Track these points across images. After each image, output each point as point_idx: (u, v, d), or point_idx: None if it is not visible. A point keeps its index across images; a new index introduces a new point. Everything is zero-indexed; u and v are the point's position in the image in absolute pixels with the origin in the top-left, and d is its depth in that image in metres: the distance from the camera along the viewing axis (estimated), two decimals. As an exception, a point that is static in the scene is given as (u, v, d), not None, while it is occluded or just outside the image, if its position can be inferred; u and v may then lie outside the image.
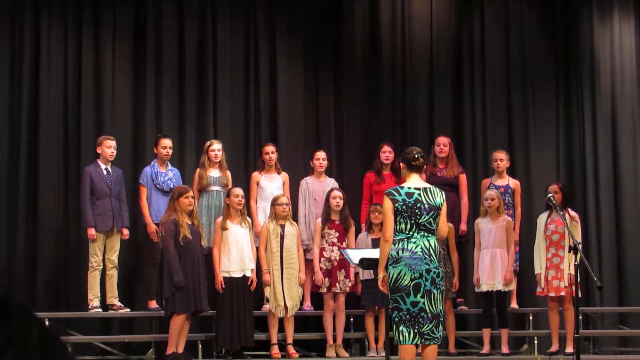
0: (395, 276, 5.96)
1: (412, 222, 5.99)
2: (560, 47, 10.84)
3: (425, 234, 6.01)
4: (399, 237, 6.03)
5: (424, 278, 5.95)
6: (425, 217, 6.01)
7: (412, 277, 5.94)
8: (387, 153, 9.35)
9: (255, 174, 9.26)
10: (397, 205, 6.00)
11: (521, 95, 10.66)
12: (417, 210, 5.99)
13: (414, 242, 5.98)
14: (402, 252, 5.96)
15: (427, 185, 6.27)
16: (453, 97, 10.65)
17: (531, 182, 10.37)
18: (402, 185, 6.18)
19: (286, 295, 8.47)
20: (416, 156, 6.17)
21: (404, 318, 5.95)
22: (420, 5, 10.75)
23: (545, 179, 9.94)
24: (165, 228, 8.03)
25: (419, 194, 6.04)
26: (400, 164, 6.38)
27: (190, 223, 8.13)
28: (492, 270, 8.64)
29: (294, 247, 8.59)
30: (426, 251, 5.97)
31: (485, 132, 10.57)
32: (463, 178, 9.46)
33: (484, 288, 8.67)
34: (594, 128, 10.57)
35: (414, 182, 6.14)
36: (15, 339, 1.08)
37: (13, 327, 1.09)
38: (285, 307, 8.49)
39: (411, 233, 6.00)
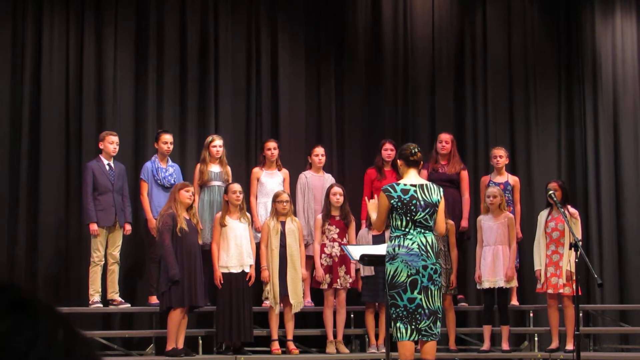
0: (392, 273, 5.97)
1: (408, 218, 6.00)
2: (562, 44, 10.84)
3: (422, 231, 6.01)
4: (395, 234, 6.03)
5: (420, 274, 5.95)
6: (421, 214, 6.00)
7: (409, 273, 5.94)
8: (388, 151, 9.35)
9: (256, 170, 9.26)
10: (392, 201, 6.01)
11: (523, 92, 10.66)
12: (412, 207, 5.99)
13: (410, 239, 5.98)
14: (399, 249, 5.97)
15: (425, 181, 6.28)
16: (454, 94, 10.65)
17: (532, 179, 10.37)
18: (399, 182, 6.20)
19: (290, 292, 8.47)
20: (413, 151, 6.18)
21: (401, 314, 5.95)
22: (422, 2, 10.75)
23: (547, 176, 9.94)
24: (163, 221, 8.05)
25: (415, 191, 6.04)
26: (398, 160, 6.39)
27: (188, 219, 8.14)
28: (494, 267, 8.64)
29: (296, 244, 8.59)
30: (423, 247, 5.97)
31: (487, 129, 10.57)
32: (465, 174, 9.46)
33: (486, 285, 8.68)
34: (596, 125, 10.56)
35: (411, 178, 6.15)
36: (40, 340, 1.06)
37: (38, 327, 1.07)
38: (289, 304, 8.50)
39: (407, 230, 6.00)
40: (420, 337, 6.00)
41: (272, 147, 9.21)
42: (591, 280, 9.40)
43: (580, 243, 6.47)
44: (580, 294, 6.83)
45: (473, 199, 9.55)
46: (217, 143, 9.05)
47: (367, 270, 8.63)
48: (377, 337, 8.77)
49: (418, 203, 6.01)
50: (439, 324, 6.07)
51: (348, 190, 9.01)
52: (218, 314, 8.37)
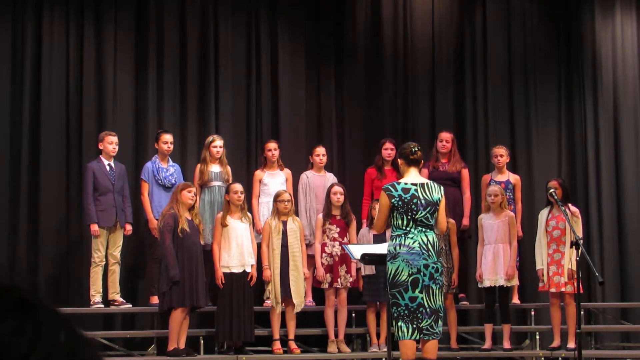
0: (393, 272, 5.97)
1: (409, 217, 5.99)
2: (562, 42, 10.83)
3: (423, 229, 6.01)
4: (396, 233, 6.03)
5: (422, 273, 5.95)
6: (422, 213, 6.00)
7: (410, 272, 5.94)
8: (388, 150, 9.35)
9: (258, 172, 9.26)
10: (393, 200, 6.01)
11: (523, 91, 10.66)
12: (413, 206, 5.99)
13: (412, 238, 5.98)
14: (400, 248, 5.97)
15: (425, 180, 6.28)
16: (455, 93, 10.64)
17: (533, 178, 10.36)
18: (399, 180, 6.20)
19: (293, 292, 8.47)
20: (414, 150, 6.18)
21: (402, 313, 5.96)
22: (422, 2, 10.74)
23: (547, 174, 9.94)
24: (164, 221, 8.06)
25: (416, 190, 6.04)
26: (399, 160, 6.39)
27: (190, 219, 8.14)
28: (495, 266, 8.65)
29: (297, 244, 8.59)
30: (424, 246, 5.97)
31: (487, 127, 10.57)
32: (465, 173, 9.45)
33: (487, 284, 8.69)
34: (596, 123, 10.55)
35: (412, 177, 6.15)
36: (42, 342, 1.06)
37: (40, 329, 1.07)
38: (290, 303, 8.51)
39: (408, 229, 6.00)
40: (421, 336, 6.00)
41: (272, 148, 9.21)
42: (592, 278, 9.39)
43: (581, 241, 6.47)
44: (581, 292, 6.82)
45: (474, 198, 9.55)
46: (218, 143, 9.05)
47: (368, 270, 8.63)
48: (378, 336, 8.76)
49: (419, 202, 6.01)
50: (440, 322, 6.07)
51: (348, 190, 9.01)
52: (219, 313, 8.36)
